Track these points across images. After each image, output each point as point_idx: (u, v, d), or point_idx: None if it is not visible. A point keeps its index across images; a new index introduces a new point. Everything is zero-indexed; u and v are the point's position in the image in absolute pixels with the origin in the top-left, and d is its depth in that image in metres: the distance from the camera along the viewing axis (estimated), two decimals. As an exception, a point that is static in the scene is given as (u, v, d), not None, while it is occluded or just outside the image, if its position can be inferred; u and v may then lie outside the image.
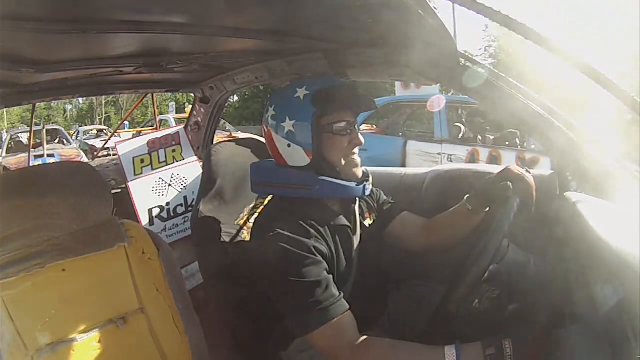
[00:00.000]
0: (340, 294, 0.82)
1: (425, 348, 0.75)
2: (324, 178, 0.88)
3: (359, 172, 0.93)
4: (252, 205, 1.19)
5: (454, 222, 0.99)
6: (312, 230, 0.85)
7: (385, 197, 1.10)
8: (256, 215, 1.12)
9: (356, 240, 0.96)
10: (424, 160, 4.39)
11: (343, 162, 0.90)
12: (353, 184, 0.91)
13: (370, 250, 1.00)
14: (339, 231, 0.92)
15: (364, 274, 0.96)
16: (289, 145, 0.89)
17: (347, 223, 0.94)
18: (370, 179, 0.98)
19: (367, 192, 0.94)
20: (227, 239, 1.06)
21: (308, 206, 0.89)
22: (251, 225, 1.14)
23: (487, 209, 0.94)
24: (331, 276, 0.83)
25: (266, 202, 1.07)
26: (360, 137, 0.91)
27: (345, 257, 0.92)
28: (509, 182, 0.86)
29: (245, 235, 1.12)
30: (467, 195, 0.96)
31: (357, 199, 1.00)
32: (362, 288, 0.85)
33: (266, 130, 0.93)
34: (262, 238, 0.86)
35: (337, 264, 0.89)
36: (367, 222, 1.03)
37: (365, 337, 0.79)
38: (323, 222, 0.89)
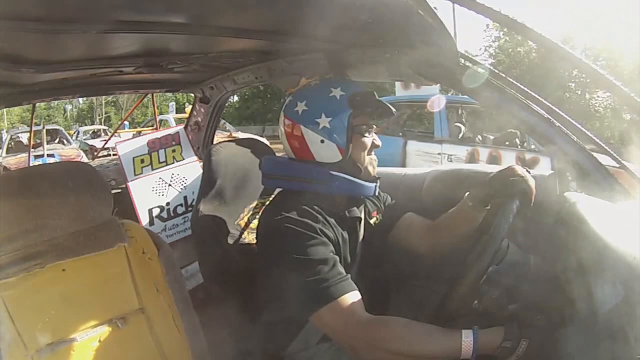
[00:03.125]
0: (347, 274, 0.83)
1: (440, 330, 0.76)
2: (343, 175, 0.91)
3: (375, 172, 0.97)
4: (252, 205, 1.19)
5: (455, 220, 1.00)
6: (320, 217, 0.88)
7: (390, 201, 1.12)
8: (259, 214, 1.13)
9: (360, 237, 0.98)
10: (424, 160, 4.39)
11: (365, 162, 0.95)
12: (367, 183, 0.95)
13: (373, 249, 1.01)
14: (346, 225, 0.94)
15: (365, 272, 0.96)
16: (322, 141, 0.91)
17: (358, 214, 0.96)
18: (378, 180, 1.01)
19: (376, 192, 0.98)
20: (227, 239, 1.06)
21: (317, 198, 0.91)
22: (252, 225, 1.15)
23: (488, 207, 0.95)
24: (338, 257, 0.85)
25: (272, 197, 1.08)
26: (378, 139, 0.96)
27: (350, 251, 0.94)
28: (518, 178, 0.86)
29: (246, 235, 1.12)
30: (468, 192, 0.97)
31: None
32: (363, 286, 0.85)
33: (292, 123, 0.93)
34: (269, 222, 0.89)
35: (342, 257, 0.90)
36: (373, 221, 1.05)
37: (377, 315, 0.79)
38: (331, 214, 0.91)
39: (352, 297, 0.80)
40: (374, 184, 0.96)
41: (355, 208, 0.97)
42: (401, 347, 0.75)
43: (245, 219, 1.15)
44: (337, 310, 0.79)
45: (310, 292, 0.80)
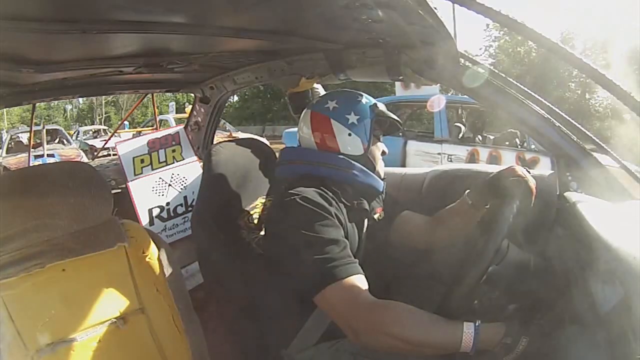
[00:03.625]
0: (355, 259, 0.85)
1: (443, 320, 0.76)
2: (362, 167, 1.00)
3: (383, 174, 1.07)
4: (253, 205, 1.19)
5: (454, 217, 1.02)
6: (334, 202, 0.92)
7: (388, 199, 1.15)
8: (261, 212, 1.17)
9: (365, 229, 1.01)
10: (424, 160, 4.39)
11: (378, 162, 1.05)
12: (380, 181, 1.04)
13: (375, 244, 1.03)
14: (354, 216, 0.97)
15: (367, 266, 0.97)
16: (349, 134, 1.00)
17: (367, 207, 1.01)
18: None
19: (384, 190, 1.06)
20: (228, 239, 1.06)
21: (334, 185, 0.97)
22: (252, 225, 1.15)
23: (487, 205, 0.95)
24: (347, 242, 0.87)
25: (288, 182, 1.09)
26: (385, 147, 1.08)
27: (356, 242, 0.96)
28: (518, 178, 0.88)
29: (246, 234, 1.12)
30: (468, 190, 0.97)
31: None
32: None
33: (322, 117, 1.01)
34: (284, 199, 0.91)
35: (349, 246, 0.91)
36: (376, 217, 1.08)
37: (382, 300, 0.80)
38: (343, 202, 0.96)
39: (359, 279, 0.82)
40: (384, 183, 1.05)
41: (364, 201, 1.01)
42: (403, 333, 0.76)
43: (246, 218, 1.15)
44: (344, 289, 0.80)
45: (318, 270, 0.81)
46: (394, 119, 1.06)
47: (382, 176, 1.06)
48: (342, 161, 0.99)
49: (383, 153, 1.07)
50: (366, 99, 1.04)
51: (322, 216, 0.86)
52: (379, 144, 1.05)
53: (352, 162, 0.99)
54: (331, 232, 0.85)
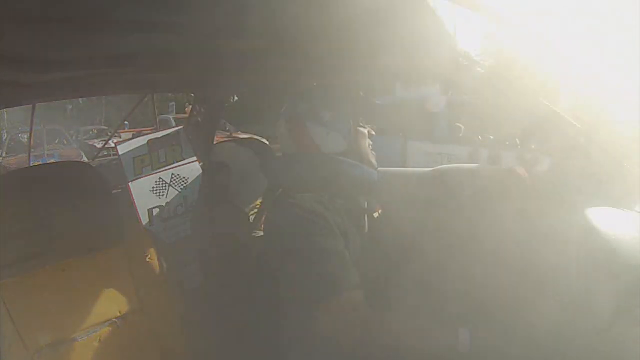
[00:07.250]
0: (353, 272, 0.84)
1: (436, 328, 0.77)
2: (350, 161, 0.97)
3: (375, 162, 1.04)
4: (252, 205, 1.19)
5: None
6: (330, 207, 0.90)
7: (387, 199, 1.13)
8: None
9: (365, 229, 1.00)
10: (424, 160, 4.38)
11: (367, 151, 1.02)
12: (372, 170, 1.01)
13: (375, 242, 1.02)
14: (353, 216, 0.96)
15: (368, 265, 0.97)
16: (327, 132, 0.97)
17: (364, 205, 1.01)
18: None
19: (378, 180, 1.03)
20: (228, 239, 1.06)
21: (327, 184, 0.95)
22: (252, 224, 1.15)
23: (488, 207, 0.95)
24: (346, 252, 0.86)
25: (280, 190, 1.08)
26: (371, 129, 1.04)
27: (356, 242, 0.95)
28: (518, 177, 0.89)
29: (245, 235, 1.12)
30: (467, 193, 0.97)
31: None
32: (365, 280, 0.86)
33: (295, 121, 0.98)
34: (279, 210, 0.90)
35: (350, 248, 0.91)
36: (376, 215, 1.07)
37: (376, 313, 0.80)
38: (340, 204, 0.94)
39: (356, 294, 0.81)
40: (376, 172, 1.02)
41: (361, 198, 1.00)
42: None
43: (246, 218, 1.15)
44: (338, 306, 0.79)
45: (314, 284, 0.81)
46: (371, 102, 1.04)
47: (375, 165, 1.03)
48: (328, 159, 0.97)
49: (370, 135, 1.03)
50: (337, 91, 1.02)
51: (321, 226, 0.85)
52: (361, 130, 1.02)
53: (339, 157, 0.97)
54: (330, 242, 0.84)
